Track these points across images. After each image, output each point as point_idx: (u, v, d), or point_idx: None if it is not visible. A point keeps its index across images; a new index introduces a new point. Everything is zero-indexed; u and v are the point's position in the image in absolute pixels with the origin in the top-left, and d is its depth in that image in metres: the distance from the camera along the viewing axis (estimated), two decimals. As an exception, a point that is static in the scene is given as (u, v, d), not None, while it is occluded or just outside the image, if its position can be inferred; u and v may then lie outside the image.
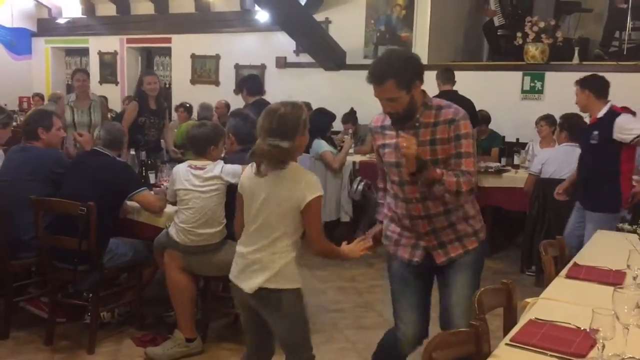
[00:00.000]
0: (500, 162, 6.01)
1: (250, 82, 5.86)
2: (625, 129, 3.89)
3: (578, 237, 3.98)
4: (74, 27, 10.93)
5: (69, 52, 11.62)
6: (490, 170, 5.65)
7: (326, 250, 2.57)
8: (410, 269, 2.75)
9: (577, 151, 4.90)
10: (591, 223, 3.94)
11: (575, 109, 5.26)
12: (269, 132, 2.42)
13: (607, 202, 3.96)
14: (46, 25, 11.36)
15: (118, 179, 3.61)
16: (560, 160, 4.87)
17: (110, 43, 10.59)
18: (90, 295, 3.52)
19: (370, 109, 3.46)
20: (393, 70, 2.48)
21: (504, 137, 6.48)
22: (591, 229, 3.83)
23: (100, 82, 10.65)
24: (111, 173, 3.62)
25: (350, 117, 7.07)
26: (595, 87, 4.06)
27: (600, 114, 4.01)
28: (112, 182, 3.57)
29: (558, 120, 5.22)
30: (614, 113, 3.96)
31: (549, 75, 6.72)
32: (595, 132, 3.97)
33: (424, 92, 2.62)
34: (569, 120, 5.01)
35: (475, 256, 2.71)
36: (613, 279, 2.52)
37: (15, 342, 3.60)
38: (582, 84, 4.10)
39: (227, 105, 7.66)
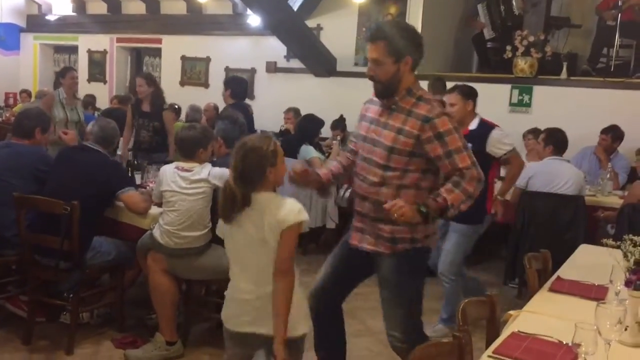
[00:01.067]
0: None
1: (238, 85, 5.88)
2: (501, 142, 3.92)
3: (438, 248, 3.85)
4: (63, 24, 10.86)
5: (58, 49, 11.54)
6: (476, 181, 5.67)
7: None
8: (348, 245, 2.79)
9: (565, 164, 4.94)
10: (455, 233, 3.94)
11: (563, 124, 5.33)
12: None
13: (474, 214, 3.49)
14: (36, 22, 11.28)
15: (108, 176, 3.57)
16: (547, 174, 4.90)
17: (100, 41, 10.53)
18: (71, 295, 3.47)
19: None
20: (387, 33, 2.51)
21: None
22: (454, 240, 3.93)
23: (89, 80, 10.58)
24: (102, 170, 3.58)
25: (339, 123, 7.08)
26: (475, 98, 4.04)
27: (472, 126, 3.97)
28: (101, 179, 3.53)
29: (542, 134, 5.23)
30: (486, 126, 3.97)
31: (537, 89, 6.78)
32: (469, 145, 3.83)
33: (415, 79, 2.62)
34: (554, 134, 5.04)
35: (390, 263, 2.64)
36: (595, 293, 2.53)
37: (-7, 341, 3.55)
38: (465, 93, 3.99)
39: (216, 108, 7.63)
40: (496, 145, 3.90)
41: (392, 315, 2.73)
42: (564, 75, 6.69)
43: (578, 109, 6.38)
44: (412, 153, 2.53)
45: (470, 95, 4.03)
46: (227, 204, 2.30)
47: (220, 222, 2.42)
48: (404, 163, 2.54)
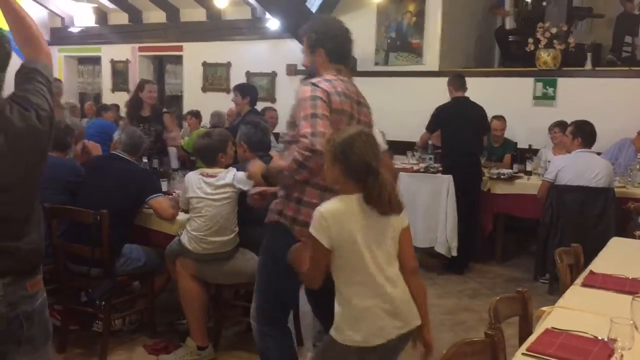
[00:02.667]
0: (512, 169, 5.98)
1: (254, 92, 5.86)
2: None
3: None
4: (86, 36, 11.01)
5: (82, 60, 11.71)
6: (502, 176, 5.62)
7: None
8: None
9: (595, 157, 4.87)
10: None
11: (590, 115, 5.25)
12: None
13: None
14: (59, 34, 11.45)
15: (139, 184, 3.63)
16: (577, 167, 4.83)
17: (123, 51, 10.66)
18: (103, 302, 3.52)
19: (381, 113, 3.45)
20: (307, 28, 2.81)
21: (516, 143, 6.44)
22: None
23: (113, 90, 10.71)
24: (133, 178, 3.63)
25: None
26: None
27: None
28: (133, 187, 3.59)
29: (569, 127, 5.16)
30: None
31: (561, 81, 6.68)
32: None
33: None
34: (583, 127, 4.97)
35: (271, 232, 2.66)
36: (630, 287, 2.49)
37: (29, 350, 3.61)
38: None
39: (238, 114, 7.67)
40: None
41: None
42: (588, 66, 6.58)
43: (604, 99, 6.27)
44: (292, 123, 2.64)
45: None
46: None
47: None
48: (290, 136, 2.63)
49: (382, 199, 2.08)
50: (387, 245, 2.15)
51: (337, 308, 2.17)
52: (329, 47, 2.77)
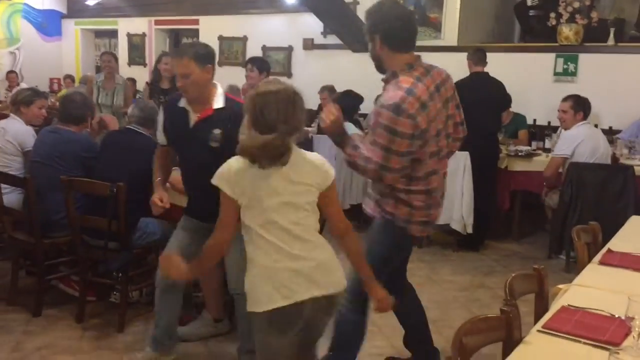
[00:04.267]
0: (530, 146, 5.90)
1: (268, 66, 5.83)
2: None
3: None
4: (103, 9, 11.00)
5: (99, 33, 11.72)
6: (520, 153, 5.56)
7: None
8: None
9: (599, 131, 4.88)
10: None
11: (611, 92, 5.16)
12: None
13: None
14: (76, 7, 11.46)
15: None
16: (593, 141, 4.78)
17: (139, 25, 10.64)
18: (120, 274, 3.56)
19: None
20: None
21: (525, 117, 6.33)
22: None
23: (129, 64, 10.73)
24: (148, 151, 3.62)
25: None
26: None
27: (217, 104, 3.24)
28: (149, 160, 3.58)
29: (566, 102, 5.05)
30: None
31: (583, 57, 6.55)
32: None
33: (412, 58, 2.58)
34: (584, 101, 5.03)
35: (376, 226, 2.70)
36: (648, 265, 2.46)
37: (48, 320, 3.67)
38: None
39: (254, 87, 7.65)
40: None
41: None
42: (611, 41, 6.43)
43: (627, 76, 6.15)
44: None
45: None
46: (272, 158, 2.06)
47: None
48: None
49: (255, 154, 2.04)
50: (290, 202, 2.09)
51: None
52: (386, 33, 2.59)
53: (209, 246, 2.18)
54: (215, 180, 2.11)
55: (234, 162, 2.11)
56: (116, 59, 6.33)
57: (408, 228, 2.64)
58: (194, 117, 2.94)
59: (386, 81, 2.61)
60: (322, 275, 2.12)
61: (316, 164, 2.17)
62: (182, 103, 2.96)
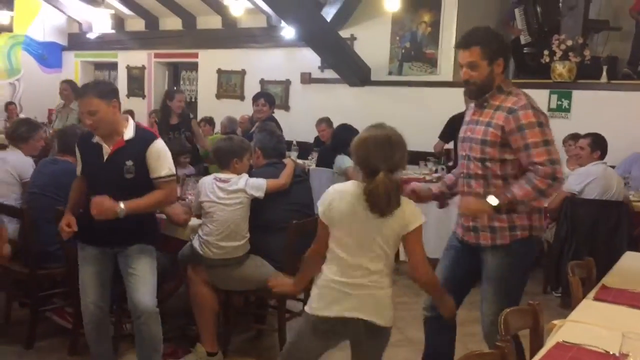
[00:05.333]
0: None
1: (274, 100, 6.07)
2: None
3: None
4: (103, 42, 11.14)
5: (98, 66, 11.84)
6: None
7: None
8: (458, 244, 2.91)
9: (614, 171, 4.85)
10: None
11: (604, 128, 5.21)
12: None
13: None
14: (77, 40, 11.60)
15: None
16: (605, 180, 4.77)
17: (139, 57, 10.77)
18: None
19: (395, 123, 3.43)
20: (480, 38, 2.70)
21: None
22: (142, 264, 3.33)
23: (128, 96, 10.81)
24: None
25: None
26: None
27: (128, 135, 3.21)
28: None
29: (585, 139, 5.08)
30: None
31: (577, 94, 6.65)
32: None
33: (506, 79, 2.77)
34: (601, 140, 4.93)
35: (501, 258, 2.73)
36: (642, 302, 2.47)
37: (40, 352, 3.64)
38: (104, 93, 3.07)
39: (251, 120, 7.72)
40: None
41: (487, 320, 2.79)
42: (604, 79, 6.54)
43: (619, 113, 6.23)
44: (502, 144, 2.65)
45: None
46: (385, 199, 2.26)
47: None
48: (498, 153, 2.66)
49: (373, 196, 2.25)
50: (372, 239, 2.32)
51: None
52: (507, 57, 2.80)
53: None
54: None
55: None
56: (74, 88, 6.59)
57: (540, 234, 2.84)
58: (107, 151, 3.00)
59: (489, 97, 2.74)
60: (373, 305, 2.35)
61: None
62: (96, 138, 3.02)
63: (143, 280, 3.08)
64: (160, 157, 3.02)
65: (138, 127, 3.08)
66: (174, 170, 3.11)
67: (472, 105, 2.89)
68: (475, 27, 2.79)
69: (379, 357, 2.50)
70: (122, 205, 2.90)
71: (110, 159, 3.00)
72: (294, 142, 7.50)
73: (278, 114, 7.03)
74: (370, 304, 2.34)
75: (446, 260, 2.97)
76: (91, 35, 11.26)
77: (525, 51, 7.57)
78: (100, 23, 10.85)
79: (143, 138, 3.03)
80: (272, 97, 6.16)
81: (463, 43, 2.72)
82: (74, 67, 11.73)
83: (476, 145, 2.72)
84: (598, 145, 4.90)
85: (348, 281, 2.33)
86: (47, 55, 11.55)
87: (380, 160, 2.28)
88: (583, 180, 4.81)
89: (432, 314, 2.86)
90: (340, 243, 2.36)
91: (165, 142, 5.60)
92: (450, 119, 5.64)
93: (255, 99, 5.89)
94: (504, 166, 2.68)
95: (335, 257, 2.37)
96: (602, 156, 4.87)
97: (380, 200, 2.24)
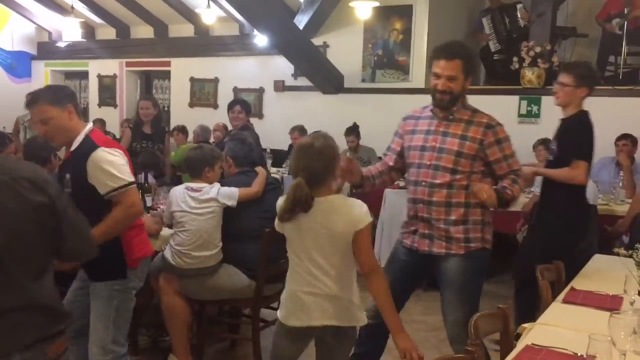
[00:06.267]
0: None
1: (250, 107, 6.00)
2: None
3: None
4: (73, 51, 11.01)
5: (69, 75, 11.69)
6: (487, 193, 5.64)
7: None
8: (405, 253, 3.00)
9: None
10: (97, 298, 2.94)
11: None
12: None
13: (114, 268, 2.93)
14: (46, 49, 11.45)
15: None
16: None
17: (110, 66, 10.66)
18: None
19: (368, 130, 3.48)
20: (464, 53, 2.85)
21: None
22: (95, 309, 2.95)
23: (99, 105, 10.70)
24: None
25: (354, 130, 7.07)
26: None
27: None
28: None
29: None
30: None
31: (546, 99, 6.74)
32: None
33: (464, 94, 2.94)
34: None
35: (460, 266, 2.87)
36: (610, 304, 2.51)
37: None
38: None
39: (225, 128, 7.68)
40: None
41: (455, 325, 2.91)
42: (572, 84, 6.65)
43: (588, 118, 6.33)
44: (475, 157, 2.83)
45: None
46: (294, 204, 2.33)
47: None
48: (469, 166, 2.83)
49: (287, 201, 2.36)
50: (320, 241, 2.35)
51: None
52: (471, 77, 2.95)
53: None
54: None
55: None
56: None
57: (490, 247, 2.98)
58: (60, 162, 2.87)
59: (454, 111, 2.90)
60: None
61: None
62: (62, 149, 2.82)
63: (92, 328, 2.74)
64: (104, 167, 2.58)
65: (87, 137, 2.67)
66: (128, 177, 2.64)
67: (416, 115, 3.05)
68: (456, 41, 2.96)
69: (346, 356, 2.55)
70: None
71: (60, 172, 2.79)
72: (268, 150, 7.49)
73: (252, 122, 7.01)
74: (331, 309, 2.36)
75: (387, 267, 3.06)
76: (61, 44, 11.12)
77: (495, 58, 7.68)
78: (70, 32, 10.74)
79: (85, 148, 2.63)
80: (248, 104, 6.09)
81: (448, 54, 2.81)
82: (44, 76, 11.56)
83: (449, 156, 2.83)
84: None
85: (309, 290, 2.36)
86: (16, 64, 11.37)
87: (299, 167, 2.35)
88: None
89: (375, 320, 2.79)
90: (295, 252, 2.41)
91: (137, 150, 5.60)
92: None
93: (231, 106, 5.80)
94: (469, 178, 2.84)
95: (293, 265, 2.43)
96: None
97: (288, 206, 2.33)
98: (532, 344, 2.06)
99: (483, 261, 2.96)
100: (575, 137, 3.61)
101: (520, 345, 2.09)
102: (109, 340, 2.72)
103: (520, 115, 6.88)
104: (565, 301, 2.59)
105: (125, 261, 2.72)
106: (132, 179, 2.65)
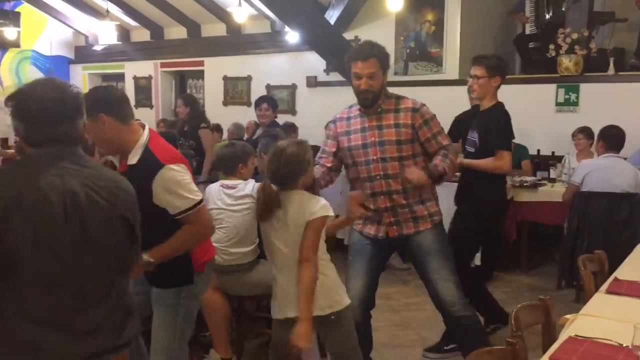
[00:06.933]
0: (535, 176, 5.90)
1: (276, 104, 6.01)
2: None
3: None
4: (109, 54, 11.21)
5: (106, 77, 11.91)
6: (525, 184, 5.56)
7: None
8: (370, 245, 3.16)
9: (620, 162, 4.79)
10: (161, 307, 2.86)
11: (613, 121, 5.17)
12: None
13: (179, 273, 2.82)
14: (83, 53, 11.69)
15: None
16: (604, 171, 4.75)
17: (145, 68, 10.82)
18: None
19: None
20: (377, 51, 3.02)
21: (526, 148, 6.32)
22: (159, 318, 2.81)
23: (136, 106, 10.86)
24: None
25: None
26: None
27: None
28: None
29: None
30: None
31: (584, 87, 6.60)
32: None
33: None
34: (606, 130, 4.93)
35: (432, 236, 3.13)
36: (656, 293, 2.44)
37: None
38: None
39: (257, 125, 7.73)
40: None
41: (448, 286, 3.09)
42: (611, 71, 6.48)
43: (628, 105, 6.17)
44: (412, 140, 3.06)
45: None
46: (265, 205, 2.58)
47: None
48: (411, 149, 3.06)
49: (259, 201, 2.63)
50: (287, 235, 2.55)
51: None
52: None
53: None
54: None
55: None
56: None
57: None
58: None
59: (381, 104, 3.10)
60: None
61: None
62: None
63: (155, 335, 2.61)
64: (173, 188, 2.38)
65: (148, 150, 2.43)
66: (196, 197, 2.45)
67: (345, 117, 3.22)
68: (368, 41, 3.12)
69: (345, 342, 2.67)
70: (144, 256, 2.32)
71: None
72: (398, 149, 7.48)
73: (285, 119, 7.05)
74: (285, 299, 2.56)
75: (359, 265, 3.18)
76: (97, 48, 11.34)
77: (530, 46, 7.54)
78: (106, 35, 10.93)
79: (147, 165, 2.39)
80: (274, 100, 6.06)
81: (363, 55, 2.97)
82: (82, 79, 11.82)
83: (391, 146, 3.04)
84: (601, 136, 4.92)
85: (282, 282, 2.58)
86: (55, 69, 11.64)
87: (269, 169, 2.59)
88: (582, 172, 4.91)
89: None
90: (270, 248, 2.63)
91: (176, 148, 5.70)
92: (455, 120, 5.62)
93: (258, 103, 5.82)
94: (414, 161, 3.06)
95: (271, 261, 2.67)
96: (607, 146, 4.85)
97: (262, 206, 2.59)
98: (576, 335, 2.02)
99: (444, 230, 3.26)
100: (498, 129, 3.71)
101: (563, 336, 2.05)
102: (174, 347, 2.62)
103: (558, 104, 6.73)
104: (608, 291, 2.54)
105: (192, 266, 2.59)
106: (200, 196, 2.49)
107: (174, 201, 2.40)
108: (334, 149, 3.23)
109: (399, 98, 3.12)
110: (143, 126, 2.53)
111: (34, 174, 1.71)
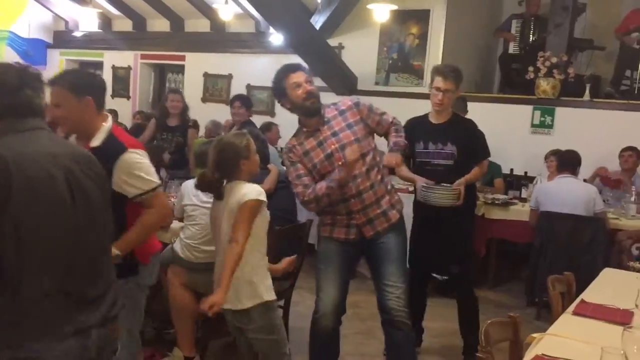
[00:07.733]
0: (507, 194, 5.99)
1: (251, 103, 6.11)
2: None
3: None
4: (89, 41, 11.05)
5: (84, 64, 11.71)
6: (497, 202, 5.63)
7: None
8: (340, 250, 3.16)
9: (573, 183, 4.93)
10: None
11: (586, 145, 5.29)
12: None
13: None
14: (62, 38, 11.50)
15: None
16: (555, 193, 4.89)
17: (125, 58, 10.69)
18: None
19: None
20: (302, 66, 3.30)
21: (500, 166, 6.41)
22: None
23: (112, 96, 10.72)
24: None
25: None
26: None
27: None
28: None
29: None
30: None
31: (559, 111, 6.74)
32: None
33: None
34: (561, 152, 5.22)
35: (399, 227, 3.20)
36: (620, 318, 2.49)
37: None
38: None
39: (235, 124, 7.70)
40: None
41: (399, 294, 3.12)
42: (587, 97, 6.64)
43: (602, 131, 6.32)
44: (368, 134, 3.16)
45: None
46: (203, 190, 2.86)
47: None
48: (369, 144, 3.13)
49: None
50: (226, 225, 2.71)
51: None
52: None
53: None
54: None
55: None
56: None
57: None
58: None
59: (322, 117, 3.14)
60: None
61: None
62: (72, 137, 2.64)
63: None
64: (134, 171, 2.48)
65: (112, 136, 2.53)
66: (156, 180, 2.57)
67: (303, 137, 3.14)
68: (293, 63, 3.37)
69: (264, 339, 2.80)
70: (114, 250, 2.28)
71: None
72: (279, 148, 7.49)
73: (264, 120, 7.02)
74: (231, 292, 2.64)
75: (330, 272, 3.18)
76: (77, 34, 11.17)
77: (513, 67, 7.67)
78: (87, 22, 10.77)
79: (111, 148, 2.46)
80: (248, 99, 6.11)
81: (294, 67, 3.23)
82: (59, 64, 11.62)
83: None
84: (555, 157, 5.12)
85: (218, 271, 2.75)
86: (32, 51, 11.43)
87: (211, 161, 2.80)
88: (534, 195, 5.17)
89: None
90: (215, 238, 2.86)
91: (155, 141, 5.64)
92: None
93: (232, 101, 5.94)
94: (375, 155, 3.14)
95: (216, 252, 2.87)
96: (560, 167, 5.05)
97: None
98: (542, 354, 2.04)
99: (405, 231, 3.32)
100: (480, 139, 3.94)
101: (529, 354, 2.08)
102: (125, 338, 2.61)
103: (533, 126, 6.85)
104: (575, 313, 2.58)
105: (136, 258, 2.62)
106: (159, 180, 2.61)
107: (135, 182, 2.48)
108: (306, 169, 3.12)
109: (335, 103, 3.21)
110: (108, 115, 2.66)
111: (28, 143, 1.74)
